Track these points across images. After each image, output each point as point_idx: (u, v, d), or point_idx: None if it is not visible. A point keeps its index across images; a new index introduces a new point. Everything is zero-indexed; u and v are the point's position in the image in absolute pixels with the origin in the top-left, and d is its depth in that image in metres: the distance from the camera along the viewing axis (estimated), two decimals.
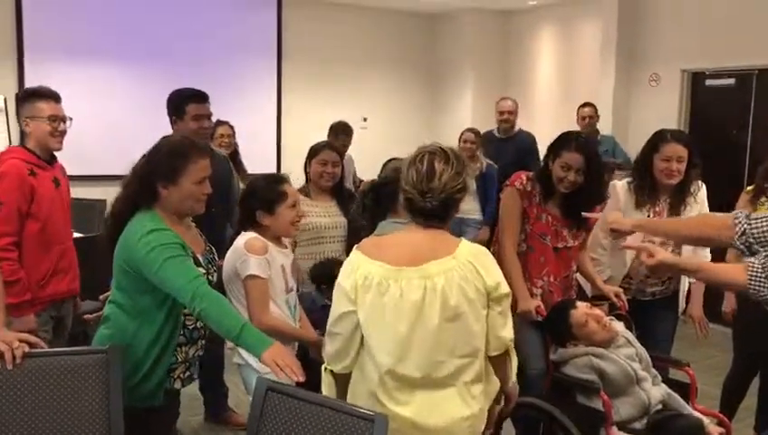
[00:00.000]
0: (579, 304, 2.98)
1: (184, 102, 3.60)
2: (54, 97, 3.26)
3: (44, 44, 6.84)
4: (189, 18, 7.56)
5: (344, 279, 2.12)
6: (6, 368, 2.21)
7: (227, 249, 3.67)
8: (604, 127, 6.65)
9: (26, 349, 2.27)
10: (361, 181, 6.11)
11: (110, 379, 2.33)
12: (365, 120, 8.72)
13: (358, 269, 2.09)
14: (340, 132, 5.97)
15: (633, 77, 6.92)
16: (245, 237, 2.82)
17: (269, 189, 2.89)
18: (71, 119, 3.29)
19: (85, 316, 2.80)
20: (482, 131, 6.73)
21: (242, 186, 5.15)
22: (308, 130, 6.04)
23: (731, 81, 6.28)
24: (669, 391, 2.97)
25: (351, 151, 6.95)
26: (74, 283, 3.32)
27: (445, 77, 9.02)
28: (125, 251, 2.39)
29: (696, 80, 6.57)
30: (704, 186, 3.52)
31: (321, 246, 3.63)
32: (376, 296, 2.05)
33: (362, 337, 2.11)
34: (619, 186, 3.53)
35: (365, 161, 8.08)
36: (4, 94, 6.44)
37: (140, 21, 7.29)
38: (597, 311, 2.94)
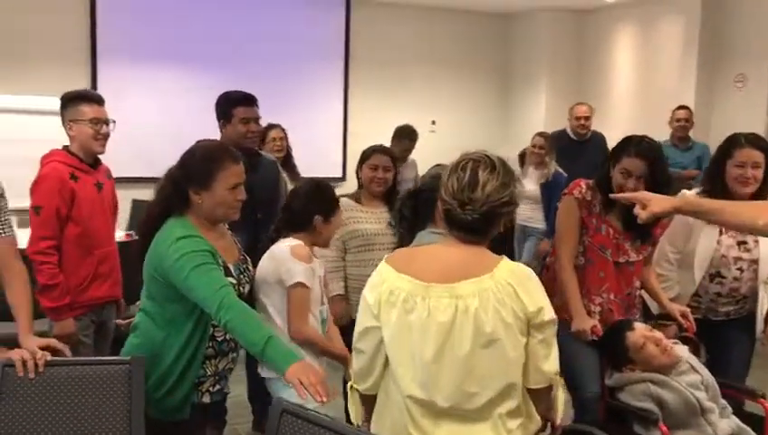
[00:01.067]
0: (637, 325, 2.73)
1: (232, 106, 3.55)
2: (97, 100, 3.23)
3: (116, 48, 7.00)
4: (257, 21, 7.60)
5: (369, 292, 1.96)
6: (29, 376, 2.18)
7: None
8: None
9: (48, 357, 2.23)
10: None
11: (132, 390, 2.27)
12: (433, 123, 8.56)
13: (384, 283, 1.93)
14: (404, 137, 5.84)
15: (717, 78, 6.52)
16: (289, 244, 2.71)
17: (332, 198, 2.84)
18: (114, 122, 3.25)
19: (117, 322, 2.75)
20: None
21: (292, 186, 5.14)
22: (375, 133, 5.92)
23: None
24: (741, 424, 2.69)
25: (418, 155, 6.81)
26: (115, 287, 3.29)
27: (517, 79, 8.77)
28: (155, 258, 2.32)
29: None
30: None
31: (372, 253, 3.48)
32: (401, 314, 1.88)
33: (387, 356, 1.94)
34: (689, 195, 3.25)
35: (432, 164, 7.93)
36: None
37: (209, 25, 7.37)
38: (656, 333, 2.68)
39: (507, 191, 1.90)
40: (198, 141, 2.49)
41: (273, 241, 2.80)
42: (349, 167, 8.00)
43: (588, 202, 3.03)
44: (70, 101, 3.20)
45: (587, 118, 6.11)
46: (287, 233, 2.78)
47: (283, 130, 5.21)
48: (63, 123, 3.20)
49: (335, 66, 8.05)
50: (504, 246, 5.52)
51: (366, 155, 3.65)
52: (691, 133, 6.29)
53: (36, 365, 2.19)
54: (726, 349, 3.27)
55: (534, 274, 1.93)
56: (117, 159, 6.74)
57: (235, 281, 2.38)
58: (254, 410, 4.11)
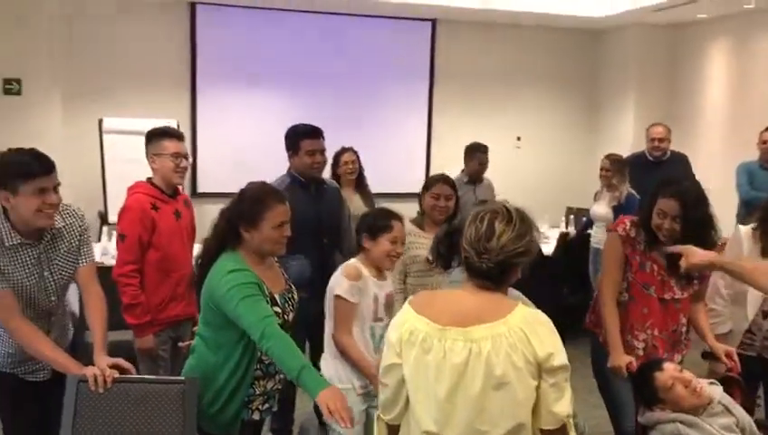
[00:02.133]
0: (666, 365, 2.75)
1: (299, 138, 3.80)
2: (178, 136, 3.57)
3: (214, 72, 7.47)
4: (345, 42, 7.89)
5: (392, 331, 2.12)
6: (98, 391, 2.50)
7: None
8: None
9: (116, 375, 2.54)
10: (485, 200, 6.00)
11: (186, 408, 2.54)
12: (518, 139, 8.59)
13: (405, 323, 2.08)
14: (474, 150, 5.93)
15: None
16: (348, 262, 3.10)
17: (378, 217, 3.13)
18: (192, 168, 3.57)
19: (179, 344, 3.05)
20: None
21: (366, 210, 5.35)
22: (458, 151, 6.08)
23: None
24: None
25: (501, 172, 6.88)
26: (190, 307, 3.60)
27: (604, 95, 8.65)
28: (210, 288, 2.59)
29: None
30: None
31: (431, 278, 3.64)
32: (420, 353, 2.03)
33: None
34: (744, 230, 3.23)
35: (517, 183, 7.97)
36: (177, 118, 7.09)
37: (299, 47, 7.72)
38: (686, 374, 2.70)
39: (522, 242, 2.00)
40: (249, 183, 2.75)
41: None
42: None
43: (632, 239, 3.08)
44: (153, 136, 3.55)
45: (661, 140, 6.02)
46: (357, 253, 3.16)
47: (355, 152, 5.43)
48: (147, 156, 3.55)
49: (420, 84, 8.22)
50: (580, 269, 5.53)
51: (429, 184, 3.84)
52: None
53: (105, 382, 2.50)
54: None
55: (549, 320, 2.02)
56: (217, 175, 7.37)
57: (279, 309, 2.63)
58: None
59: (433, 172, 8.04)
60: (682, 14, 7.41)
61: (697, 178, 6.91)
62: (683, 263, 2.58)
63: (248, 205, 2.62)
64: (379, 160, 5.82)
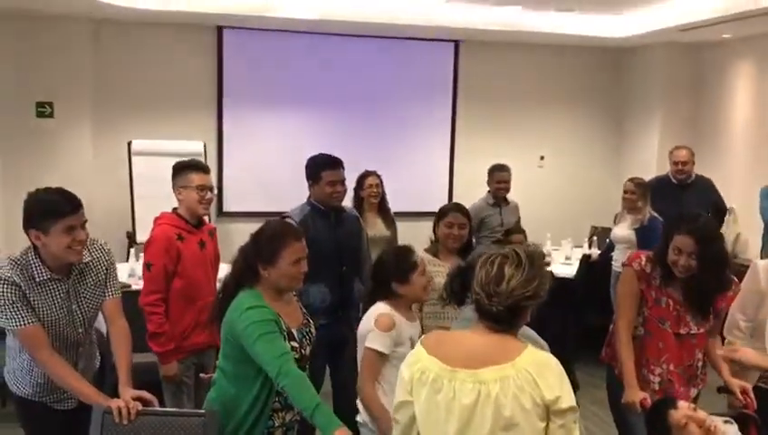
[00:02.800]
0: (680, 403, 2.76)
1: (319, 169, 3.86)
2: (203, 169, 3.67)
3: (240, 94, 7.60)
4: (369, 64, 7.99)
5: (405, 369, 2.18)
6: (122, 423, 2.58)
7: (356, 304, 3.94)
8: None
9: (140, 407, 2.63)
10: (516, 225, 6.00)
11: None
12: (542, 158, 8.61)
13: (417, 362, 2.14)
14: (495, 170, 5.96)
15: None
16: (379, 310, 3.02)
17: (402, 260, 3.11)
18: (218, 188, 3.68)
19: (201, 376, 3.13)
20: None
21: (386, 233, 5.41)
22: (482, 171, 6.12)
23: None
24: None
25: (525, 191, 6.90)
26: (214, 335, 3.68)
27: (629, 115, 8.63)
28: (229, 324, 2.68)
29: None
30: None
31: (446, 307, 3.68)
32: (431, 393, 2.08)
33: None
34: (762, 265, 3.23)
35: (541, 202, 7.99)
36: (204, 140, 7.26)
37: (324, 69, 7.82)
38: (700, 414, 2.71)
39: (531, 286, 2.05)
40: (267, 221, 2.84)
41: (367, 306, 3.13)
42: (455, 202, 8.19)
43: (647, 274, 3.11)
44: (180, 169, 3.66)
45: (684, 163, 6.00)
46: (380, 297, 3.09)
47: (379, 176, 5.51)
48: (174, 189, 3.66)
49: (443, 105, 8.27)
50: (603, 292, 5.53)
51: (443, 213, 3.88)
52: None
53: (129, 414, 2.59)
54: None
55: (557, 362, 2.06)
56: (243, 195, 7.49)
57: (297, 344, 2.70)
58: None
59: (456, 192, 8.16)
60: (707, 34, 7.37)
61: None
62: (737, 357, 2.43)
63: (265, 243, 2.70)
64: (402, 180, 5.89)
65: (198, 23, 7.26)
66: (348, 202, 5.36)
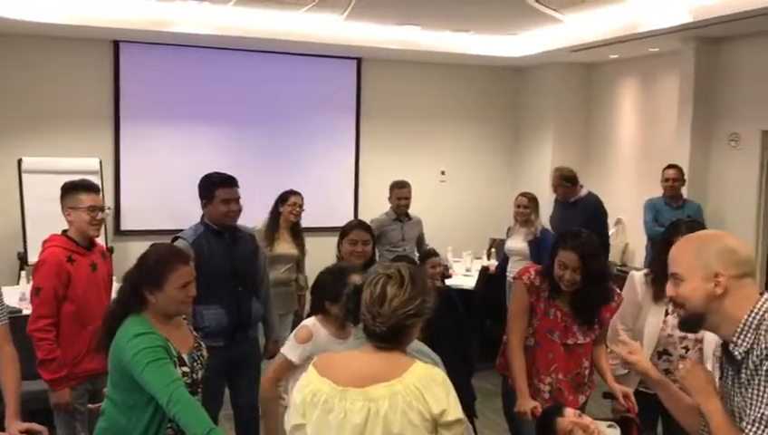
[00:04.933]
0: (567, 410, 2.90)
1: (213, 187, 3.80)
2: (93, 189, 3.57)
3: (138, 110, 7.42)
4: (270, 81, 7.97)
5: (297, 392, 2.20)
6: None
7: (255, 324, 3.92)
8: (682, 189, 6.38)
9: None
10: (429, 248, 6.12)
11: None
12: (443, 173, 8.81)
13: (309, 385, 2.16)
14: (396, 187, 6.07)
15: (711, 136, 6.60)
16: (305, 323, 3.12)
17: (336, 280, 3.10)
18: (110, 208, 3.59)
19: (88, 406, 3.04)
20: None
21: (293, 252, 5.42)
22: (387, 185, 6.20)
23: None
24: None
25: (428, 206, 7.04)
26: (107, 360, 3.59)
27: (524, 131, 8.98)
28: (116, 352, 2.61)
29: None
30: None
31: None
32: (322, 413, 2.10)
33: None
34: (637, 277, 3.43)
35: (443, 216, 8.17)
36: (100, 157, 7.03)
37: (226, 85, 7.76)
38: (585, 419, 2.85)
39: (413, 305, 2.10)
40: (152, 245, 2.79)
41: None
42: (361, 217, 8.26)
43: (537, 287, 3.25)
44: (69, 190, 3.54)
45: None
46: (317, 313, 3.15)
47: (302, 198, 5.53)
48: (63, 210, 3.54)
49: (347, 121, 8.35)
50: (501, 301, 5.69)
51: (346, 231, 3.92)
52: (687, 191, 6.43)
53: None
54: (679, 423, 3.41)
55: (445, 377, 2.13)
56: (141, 213, 7.30)
57: (188, 369, 2.66)
58: None
59: (362, 207, 8.23)
60: (596, 55, 7.78)
61: (611, 211, 7.33)
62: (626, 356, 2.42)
63: (151, 267, 2.65)
64: (308, 197, 5.90)
65: (94, 37, 7.06)
66: (261, 216, 5.38)
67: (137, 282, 2.64)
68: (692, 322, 1.99)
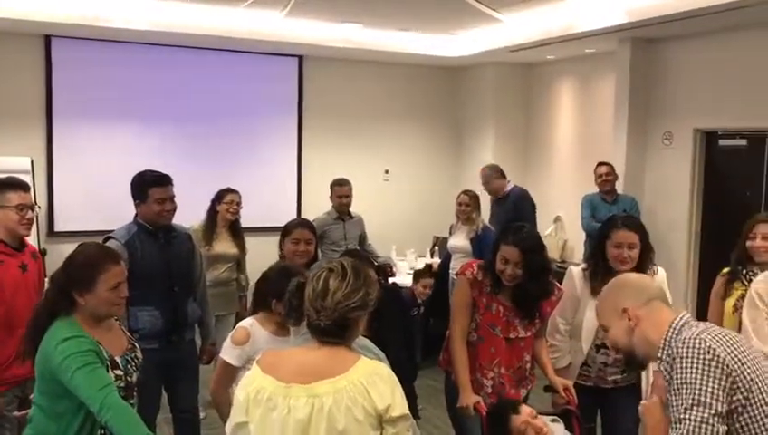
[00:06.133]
0: (523, 408, 2.90)
1: (147, 186, 3.67)
2: (22, 186, 3.42)
3: (72, 107, 7.20)
4: (210, 78, 7.83)
5: (240, 391, 2.14)
6: None
7: (191, 324, 3.82)
8: (618, 186, 6.53)
9: None
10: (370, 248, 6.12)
11: None
12: (387, 172, 8.81)
13: (252, 383, 2.11)
14: (336, 185, 6.03)
15: (646, 134, 6.78)
16: (242, 323, 3.06)
17: (281, 279, 3.02)
18: (39, 207, 3.45)
19: (14, 414, 2.91)
20: None
21: (233, 251, 5.33)
22: (328, 183, 6.15)
23: (743, 142, 6.10)
24: None
25: (372, 205, 7.02)
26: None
27: (466, 129, 9.06)
28: (44, 358, 2.50)
29: (710, 139, 6.40)
30: (661, 270, 3.45)
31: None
32: (265, 412, 2.06)
33: None
34: (575, 272, 3.48)
35: (386, 215, 8.17)
36: (31, 156, 6.79)
37: (164, 82, 7.60)
38: (539, 421, 2.86)
39: (356, 297, 2.08)
40: (80, 244, 2.66)
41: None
42: (303, 215, 8.20)
43: (479, 282, 3.26)
44: None
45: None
46: (258, 311, 3.09)
47: (239, 194, 5.43)
48: None
49: (289, 119, 8.27)
50: (444, 299, 5.72)
51: (288, 230, 3.83)
52: (623, 187, 6.59)
53: None
54: (616, 414, 3.48)
55: (390, 372, 2.11)
56: (76, 213, 7.07)
57: (121, 372, 2.56)
58: None
59: (305, 206, 8.16)
60: (534, 56, 7.89)
61: (550, 209, 7.47)
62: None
63: (80, 268, 2.54)
64: (249, 196, 5.81)
65: (24, 31, 6.81)
66: (201, 215, 5.26)
67: (65, 283, 2.53)
68: (629, 360, 2.20)
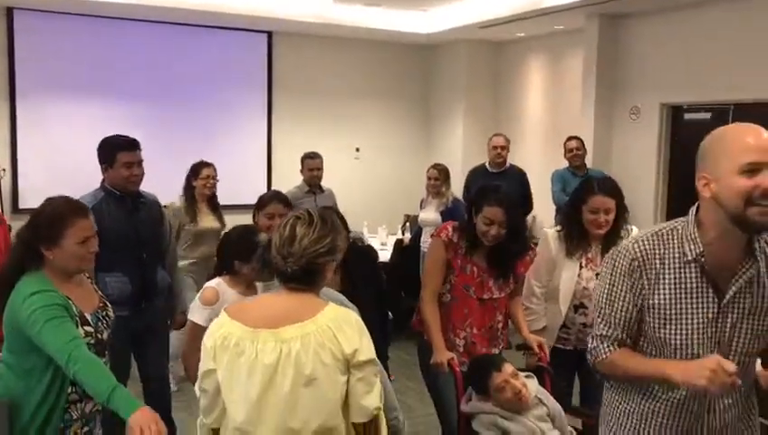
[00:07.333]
0: (505, 366, 2.93)
1: (114, 151, 3.59)
2: None
3: (36, 82, 7.05)
4: (179, 53, 7.72)
5: (207, 338, 2.12)
6: None
7: (161, 292, 3.77)
8: (586, 160, 6.60)
9: None
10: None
11: None
12: (357, 150, 8.79)
13: (220, 329, 2.09)
14: (307, 158, 5.99)
15: (614, 110, 6.86)
16: (209, 284, 3.05)
17: (245, 240, 3.07)
18: (4, 170, 3.37)
19: None
20: (473, 162, 6.85)
21: (216, 225, 5.28)
22: (298, 160, 6.11)
23: (707, 115, 6.20)
24: None
25: (344, 181, 6.99)
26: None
27: (436, 107, 9.07)
28: (11, 312, 2.45)
29: (676, 113, 6.50)
30: (635, 229, 3.48)
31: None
32: (233, 357, 2.05)
33: None
34: (550, 234, 3.50)
35: (358, 192, 8.16)
36: None
37: (129, 56, 7.47)
38: (518, 382, 2.89)
39: (324, 243, 2.07)
40: (48, 199, 2.60)
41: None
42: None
43: (454, 244, 3.27)
44: None
45: (502, 147, 6.37)
46: (223, 274, 3.09)
47: (215, 169, 5.36)
48: None
49: (258, 95, 8.21)
50: (416, 273, 5.72)
51: (262, 203, 3.72)
52: (591, 161, 6.66)
53: None
54: (594, 375, 3.51)
55: (358, 318, 2.10)
56: (41, 189, 6.86)
57: (92, 329, 2.52)
58: None
59: (275, 182, 8.10)
60: (504, 33, 7.92)
61: None
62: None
63: (46, 223, 2.48)
64: (220, 172, 5.74)
65: None
66: (169, 189, 5.18)
67: (31, 238, 2.47)
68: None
